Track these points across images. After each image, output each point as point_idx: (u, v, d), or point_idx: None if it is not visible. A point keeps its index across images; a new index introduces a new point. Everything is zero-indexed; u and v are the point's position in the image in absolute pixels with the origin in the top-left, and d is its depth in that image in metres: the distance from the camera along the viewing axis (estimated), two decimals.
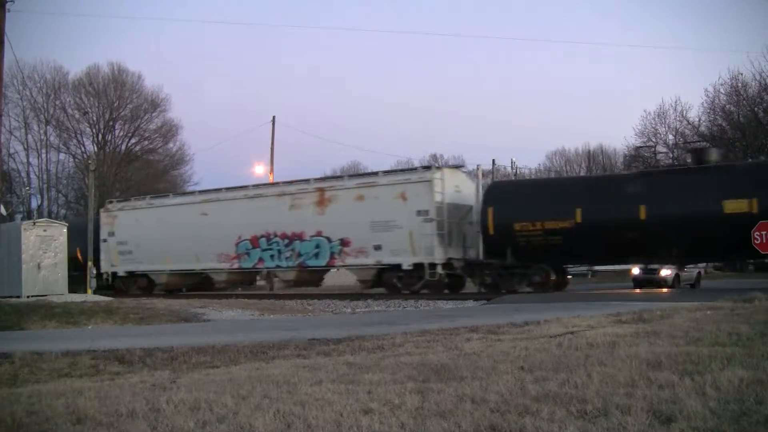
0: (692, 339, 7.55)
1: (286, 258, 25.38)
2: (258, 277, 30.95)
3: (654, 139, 45.95)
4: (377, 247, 23.46)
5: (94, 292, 25.73)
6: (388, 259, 23.34)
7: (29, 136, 53.94)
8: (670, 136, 45.94)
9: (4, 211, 22.34)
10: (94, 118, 55.24)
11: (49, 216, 43.33)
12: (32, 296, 21.88)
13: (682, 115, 45.53)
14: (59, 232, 24.00)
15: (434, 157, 68.14)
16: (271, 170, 42.59)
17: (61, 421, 5.10)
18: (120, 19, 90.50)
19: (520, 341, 8.45)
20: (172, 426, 4.77)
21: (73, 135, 55.26)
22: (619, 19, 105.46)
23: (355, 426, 4.52)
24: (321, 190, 25.06)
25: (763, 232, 17.51)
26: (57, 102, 54.41)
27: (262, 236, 26.01)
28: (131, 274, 29.78)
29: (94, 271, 26.55)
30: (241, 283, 29.76)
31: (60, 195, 56.63)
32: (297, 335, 10.59)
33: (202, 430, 4.68)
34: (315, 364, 7.48)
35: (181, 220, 28.10)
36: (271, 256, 25.81)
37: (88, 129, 55.61)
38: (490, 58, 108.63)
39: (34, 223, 23.85)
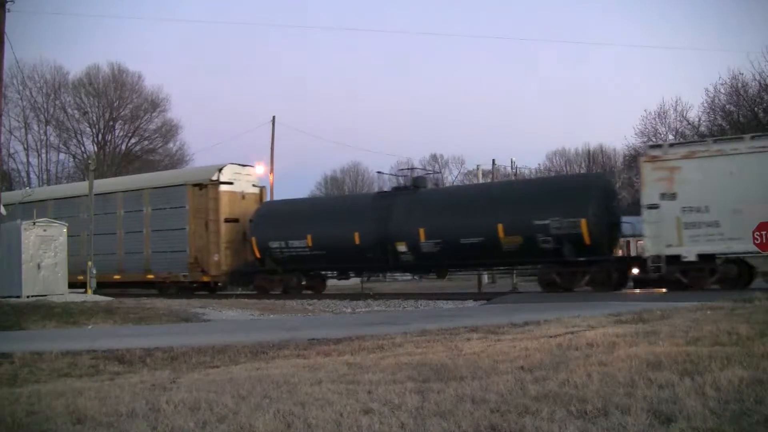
0: (692, 339, 7.56)
1: None
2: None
3: (654, 139, 45.92)
4: None
5: None
6: None
7: (29, 136, 54.08)
8: (671, 136, 45.92)
9: (3, 211, 22.29)
10: (94, 118, 55.35)
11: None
12: (32, 296, 21.87)
13: (682, 115, 45.54)
14: (59, 232, 23.97)
15: (434, 157, 68.26)
16: (271, 170, 42.55)
17: (61, 421, 5.10)
18: (120, 19, 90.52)
19: (520, 341, 8.46)
20: (172, 426, 4.77)
21: (73, 135, 55.36)
22: (619, 19, 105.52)
23: (355, 426, 4.52)
24: None
25: (763, 232, 17.46)
26: (57, 102, 54.50)
27: None
28: (706, 258, 19.02)
29: (94, 271, 26.48)
30: None
31: None
32: (297, 335, 10.59)
33: (202, 430, 4.69)
34: (315, 364, 7.48)
35: None
36: None
37: (88, 129, 55.78)
38: (490, 58, 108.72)
39: (34, 223, 23.81)
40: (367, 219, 23.58)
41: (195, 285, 26.92)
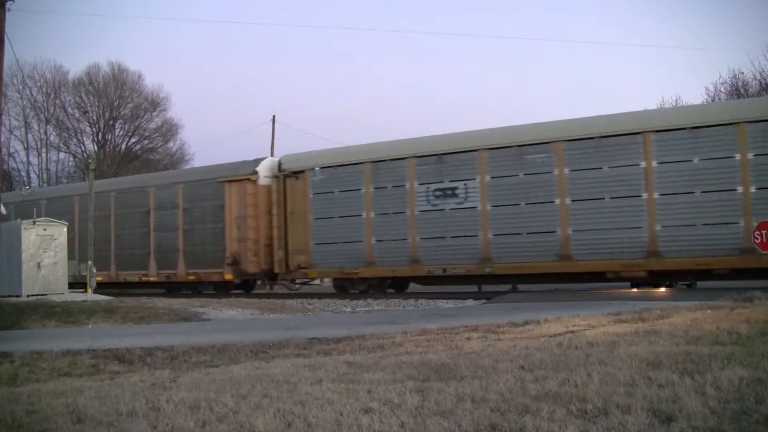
0: (692, 338, 7.56)
1: None
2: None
3: None
4: None
5: None
6: None
7: (29, 136, 54.15)
8: None
9: (4, 211, 22.28)
10: (94, 118, 55.37)
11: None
12: (32, 295, 21.89)
13: None
14: (59, 232, 23.97)
15: None
16: None
17: (61, 420, 5.10)
18: (120, 19, 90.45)
19: (520, 340, 8.46)
20: (172, 425, 4.77)
21: (73, 134, 55.41)
22: (619, 18, 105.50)
23: (355, 425, 4.52)
24: None
25: (763, 232, 17.45)
26: (57, 101, 54.55)
27: None
28: None
29: (94, 270, 26.47)
30: None
31: None
32: (297, 334, 10.59)
33: (202, 430, 4.68)
34: (315, 363, 7.48)
35: None
36: None
37: (88, 128, 55.79)
38: (490, 58, 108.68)
39: (34, 223, 23.82)
40: None
41: None
